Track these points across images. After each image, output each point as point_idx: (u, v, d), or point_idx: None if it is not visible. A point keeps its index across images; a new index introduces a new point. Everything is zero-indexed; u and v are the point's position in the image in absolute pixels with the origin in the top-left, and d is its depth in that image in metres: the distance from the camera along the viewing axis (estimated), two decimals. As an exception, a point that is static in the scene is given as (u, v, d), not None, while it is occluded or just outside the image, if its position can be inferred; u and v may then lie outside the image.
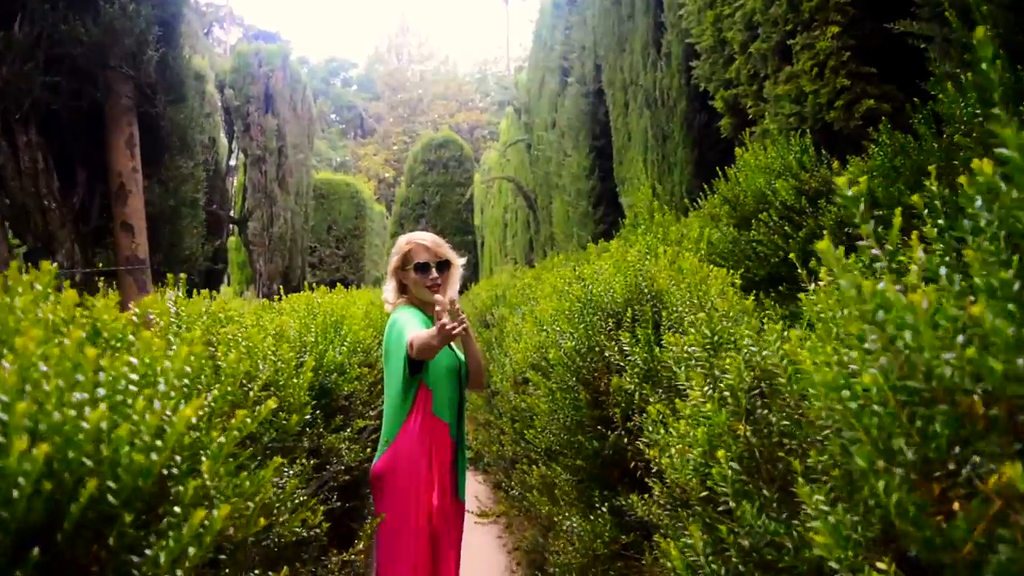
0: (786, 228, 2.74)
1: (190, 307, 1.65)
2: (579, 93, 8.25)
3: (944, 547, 0.59)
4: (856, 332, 0.70)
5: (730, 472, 1.05)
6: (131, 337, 0.98)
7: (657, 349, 1.73)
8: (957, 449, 0.67)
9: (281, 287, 5.97)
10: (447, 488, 2.34)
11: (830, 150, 2.93)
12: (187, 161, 3.66)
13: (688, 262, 1.95)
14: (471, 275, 12.72)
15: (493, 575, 3.80)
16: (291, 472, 1.63)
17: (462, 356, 2.50)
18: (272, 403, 1.05)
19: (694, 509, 1.29)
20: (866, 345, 0.69)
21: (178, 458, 0.91)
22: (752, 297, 1.54)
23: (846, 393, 0.66)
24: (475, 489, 5.09)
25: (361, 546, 2.15)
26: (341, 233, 18.43)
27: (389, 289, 2.51)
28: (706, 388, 1.29)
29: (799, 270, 1.60)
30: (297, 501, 1.61)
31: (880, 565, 0.68)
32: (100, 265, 3.09)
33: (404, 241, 2.48)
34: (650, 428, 1.39)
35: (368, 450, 2.65)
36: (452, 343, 2.52)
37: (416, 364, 2.26)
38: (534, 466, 2.85)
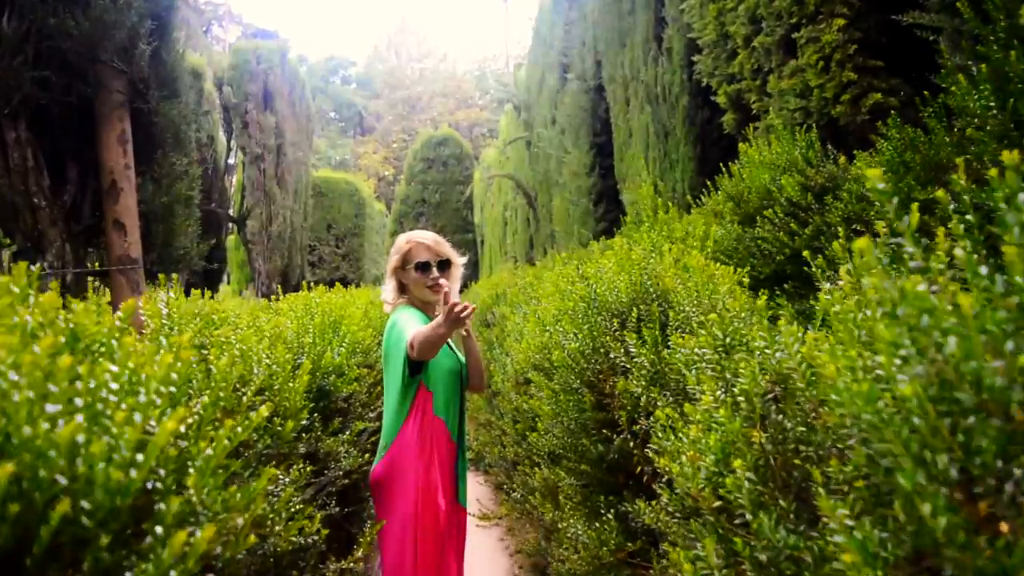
0: (792, 225, 2.68)
1: (182, 308, 1.59)
2: (579, 89, 8.19)
3: (996, 574, 0.53)
4: (889, 337, 0.64)
5: (747, 483, 1.00)
6: (114, 343, 0.92)
7: (664, 351, 1.68)
8: (1000, 464, 0.62)
9: (279, 286, 5.91)
10: (448, 492, 2.29)
11: (836, 145, 2.88)
12: (181, 158, 3.57)
13: (695, 260, 1.89)
14: (471, 274, 12.66)
15: (495, 578, 3.75)
16: (287, 480, 1.58)
17: (463, 358, 2.45)
18: (264, 410, 1.00)
19: (706, 519, 1.24)
20: (902, 351, 0.63)
21: (162, 472, 0.86)
22: (764, 296, 1.48)
23: (881, 404, 0.61)
24: (476, 490, 5.04)
25: (360, 553, 2.09)
26: (341, 231, 18.38)
27: (388, 289, 2.45)
28: (718, 392, 1.24)
29: (812, 268, 1.55)
30: (293, 509, 1.56)
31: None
32: (93, 265, 3.03)
33: (404, 240, 2.42)
34: (659, 434, 1.34)
35: (367, 456, 2.60)
36: (452, 344, 2.47)
37: (416, 365, 2.20)
38: (536, 469, 2.80)
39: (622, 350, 1.90)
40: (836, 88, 2.86)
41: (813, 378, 1.08)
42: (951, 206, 0.94)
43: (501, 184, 14.51)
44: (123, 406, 0.82)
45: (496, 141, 19.98)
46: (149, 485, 0.86)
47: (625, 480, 1.98)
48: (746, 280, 1.89)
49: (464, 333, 2.46)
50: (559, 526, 2.27)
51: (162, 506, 0.76)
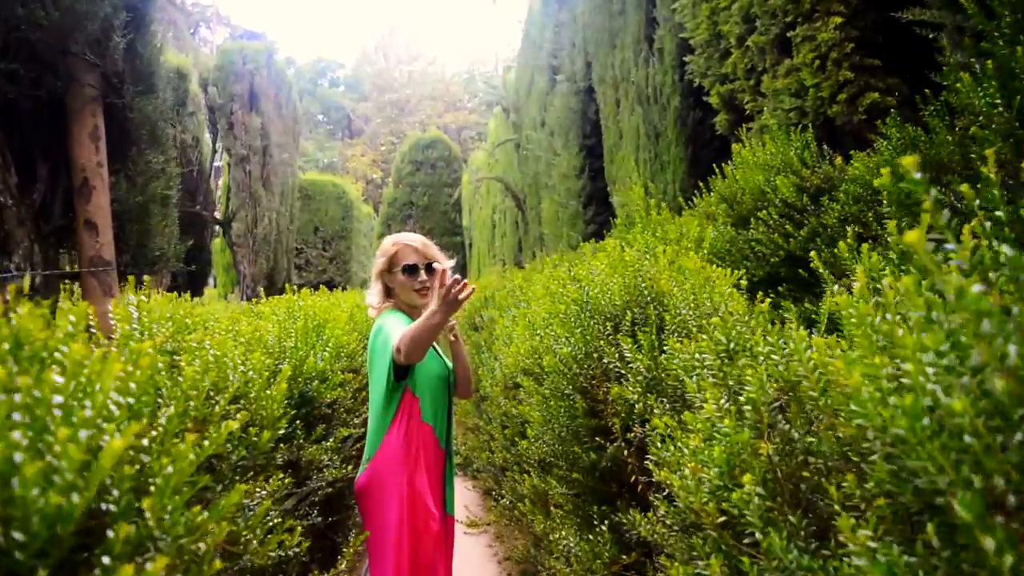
0: (787, 227, 2.63)
1: (153, 312, 1.51)
2: (569, 91, 8.13)
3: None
4: (932, 344, 0.57)
5: (756, 499, 0.93)
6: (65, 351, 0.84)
7: (661, 355, 1.60)
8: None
9: (264, 289, 5.80)
10: (436, 500, 2.20)
11: (832, 146, 2.83)
12: (157, 155, 3.43)
13: (691, 262, 1.82)
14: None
15: (483, 587, 3.67)
16: (264, 492, 1.49)
17: (450, 363, 2.36)
18: (232, 424, 0.91)
19: (708, 534, 1.17)
20: (944, 361, 0.56)
21: (116, 492, 0.77)
22: (768, 300, 1.42)
23: (926, 420, 0.53)
24: (464, 496, 4.96)
25: (344, 566, 2.01)
26: (328, 234, 18.22)
27: (374, 293, 2.36)
28: (722, 400, 1.17)
29: (819, 270, 1.48)
30: (271, 523, 1.47)
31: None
32: (65, 267, 2.91)
33: (391, 242, 2.34)
34: (658, 444, 1.26)
35: (350, 466, 2.51)
36: (440, 349, 2.39)
37: (402, 370, 2.12)
38: (526, 476, 2.72)
39: (616, 355, 1.82)
40: (832, 87, 2.81)
41: (825, 387, 1.01)
42: (975, 202, 0.88)
43: (490, 187, 14.44)
44: (73, 419, 0.74)
45: (485, 144, 19.90)
46: (104, 508, 0.78)
47: (619, 489, 1.90)
48: (743, 283, 1.83)
49: (452, 338, 2.38)
50: (550, 536, 2.19)
51: (110, 533, 0.68)
